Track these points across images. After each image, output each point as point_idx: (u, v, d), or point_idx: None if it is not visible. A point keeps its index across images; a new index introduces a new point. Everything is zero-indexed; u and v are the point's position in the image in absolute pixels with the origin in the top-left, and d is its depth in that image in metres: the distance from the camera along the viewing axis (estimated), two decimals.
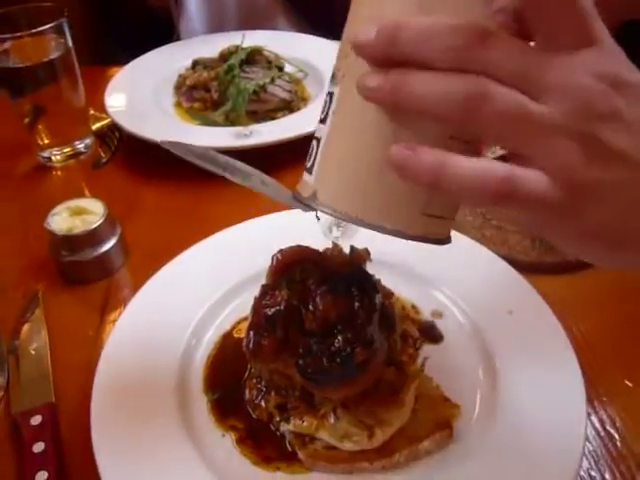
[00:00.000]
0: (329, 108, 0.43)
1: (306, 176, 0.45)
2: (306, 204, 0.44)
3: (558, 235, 0.44)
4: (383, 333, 0.62)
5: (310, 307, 0.60)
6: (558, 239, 0.44)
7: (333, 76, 0.43)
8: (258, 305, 0.63)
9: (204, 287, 0.78)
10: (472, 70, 0.37)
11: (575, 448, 0.58)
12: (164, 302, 0.76)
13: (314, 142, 0.44)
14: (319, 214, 0.46)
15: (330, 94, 0.43)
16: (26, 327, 0.78)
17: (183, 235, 0.86)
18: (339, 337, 0.58)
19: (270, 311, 0.61)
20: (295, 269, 0.65)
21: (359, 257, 0.66)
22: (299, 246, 0.68)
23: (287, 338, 0.60)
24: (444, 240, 0.46)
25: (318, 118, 0.44)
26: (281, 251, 0.67)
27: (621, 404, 0.68)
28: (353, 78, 0.40)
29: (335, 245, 0.69)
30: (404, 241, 0.75)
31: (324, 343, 0.58)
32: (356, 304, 0.59)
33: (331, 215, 0.43)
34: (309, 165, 0.45)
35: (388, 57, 0.39)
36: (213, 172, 0.51)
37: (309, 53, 1.32)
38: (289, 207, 0.52)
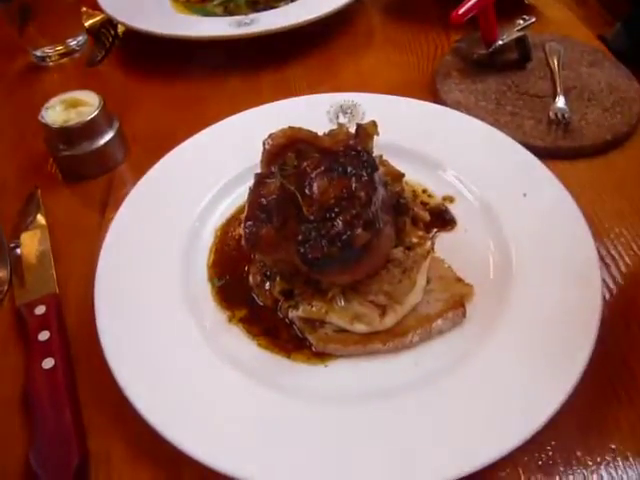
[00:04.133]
0: None
1: None
2: None
3: None
4: (389, 214, 0.59)
5: (306, 192, 0.57)
6: None
7: None
8: (253, 196, 0.60)
9: (206, 176, 0.75)
10: None
11: (589, 327, 0.56)
12: (165, 192, 0.73)
13: None
14: None
15: None
16: (27, 224, 0.76)
17: (184, 129, 0.82)
18: (338, 220, 0.55)
19: (264, 201, 0.58)
20: (288, 153, 0.61)
21: (366, 133, 0.62)
22: (290, 128, 0.63)
23: (286, 226, 0.57)
24: None
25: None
26: (271, 136, 0.62)
27: (637, 282, 0.66)
28: None
29: (341, 126, 0.65)
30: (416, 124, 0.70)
31: (323, 228, 0.55)
32: (354, 184, 0.56)
33: None
34: None
35: None
36: None
37: None
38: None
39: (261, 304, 0.64)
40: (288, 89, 0.92)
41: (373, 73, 0.99)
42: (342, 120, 0.80)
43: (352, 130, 0.65)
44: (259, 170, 0.63)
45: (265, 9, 1.06)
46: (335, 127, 0.67)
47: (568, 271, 0.62)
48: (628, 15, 2.11)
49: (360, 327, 0.59)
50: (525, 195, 0.70)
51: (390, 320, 0.59)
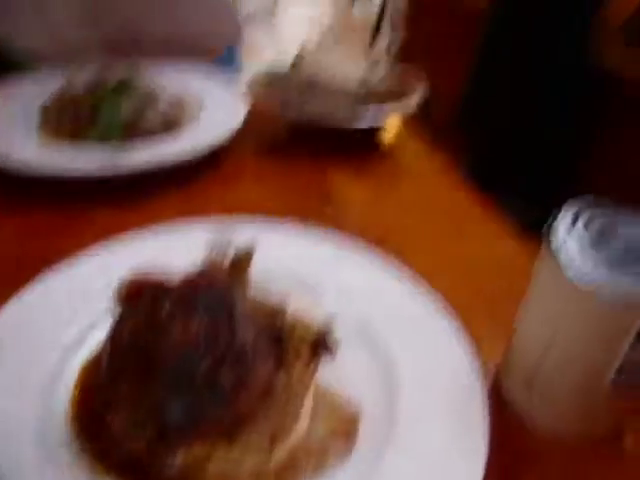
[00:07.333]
0: None
1: None
2: None
3: None
4: (263, 346, 0.57)
5: (163, 343, 0.53)
6: None
7: None
8: (105, 355, 0.56)
9: (66, 315, 0.69)
10: None
11: (479, 448, 0.56)
12: (19, 334, 0.66)
13: None
14: None
15: None
16: None
17: (45, 261, 0.76)
18: (199, 373, 0.52)
19: (117, 362, 0.54)
20: (139, 301, 0.56)
21: (240, 265, 0.62)
22: (136, 274, 0.59)
23: (145, 388, 0.52)
24: None
25: None
26: (119, 285, 0.58)
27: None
28: None
29: (214, 260, 0.63)
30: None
31: (185, 386, 0.52)
32: (212, 328, 0.53)
33: None
34: None
35: None
36: None
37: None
38: None
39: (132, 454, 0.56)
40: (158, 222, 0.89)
41: (247, 206, 0.98)
42: (218, 251, 0.77)
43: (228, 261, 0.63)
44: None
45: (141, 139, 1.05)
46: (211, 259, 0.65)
47: (452, 391, 0.61)
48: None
49: (249, 460, 0.54)
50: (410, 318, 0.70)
51: (279, 452, 0.55)
